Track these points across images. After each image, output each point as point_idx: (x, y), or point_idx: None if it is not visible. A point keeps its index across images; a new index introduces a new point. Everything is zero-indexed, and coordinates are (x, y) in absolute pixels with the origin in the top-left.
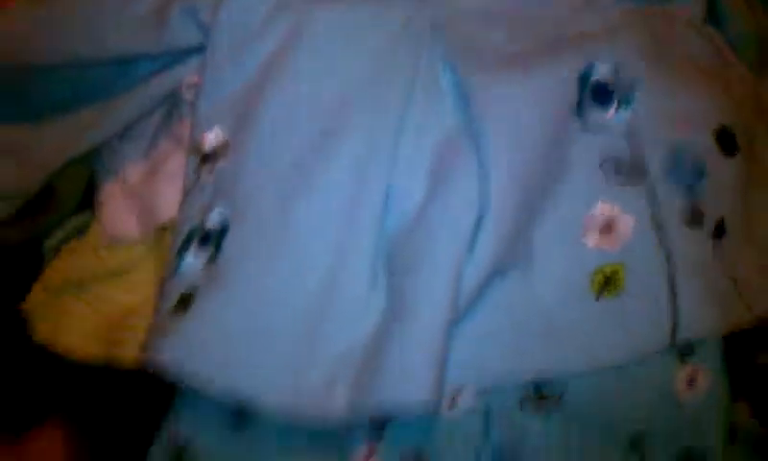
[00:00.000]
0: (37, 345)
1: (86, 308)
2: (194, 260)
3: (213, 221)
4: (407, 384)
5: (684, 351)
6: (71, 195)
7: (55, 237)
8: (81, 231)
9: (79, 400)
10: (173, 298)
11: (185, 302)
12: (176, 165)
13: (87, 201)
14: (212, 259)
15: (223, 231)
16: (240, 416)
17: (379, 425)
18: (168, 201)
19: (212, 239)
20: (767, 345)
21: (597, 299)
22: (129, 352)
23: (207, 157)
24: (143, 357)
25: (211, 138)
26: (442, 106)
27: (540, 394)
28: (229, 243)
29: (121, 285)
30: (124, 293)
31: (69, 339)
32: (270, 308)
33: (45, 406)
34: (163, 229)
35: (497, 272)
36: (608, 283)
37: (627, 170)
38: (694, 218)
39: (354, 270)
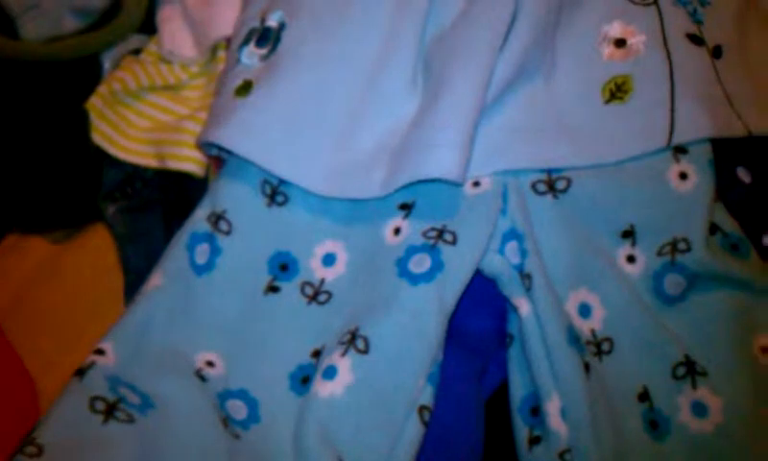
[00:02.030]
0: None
1: (141, 116)
2: (254, 54)
3: (272, 20)
4: (436, 156)
5: (679, 151)
6: (136, 8)
7: (115, 52)
8: (137, 52)
9: None
10: (236, 83)
11: (247, 87)
12: None
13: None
14: (271, 53)
15: (280, 29)
16: (276, 195)
17: (407, 206)
18: (223, 19)
19: (271, 36)
20: (747, 161)
21: (606, 103)
22: (181, 152)
23: None
24: (202, 135)
25: None
26: None
27: (550, 178)
28: (286, 38)
29: (175, 98)
30: (178, 105)
31: (125, 143)
32: (319, 97)
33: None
34: (216, 47)
35: (524, 71)
36: (617, 91)
37: None
38: (695, 38)
39: (397, 67)
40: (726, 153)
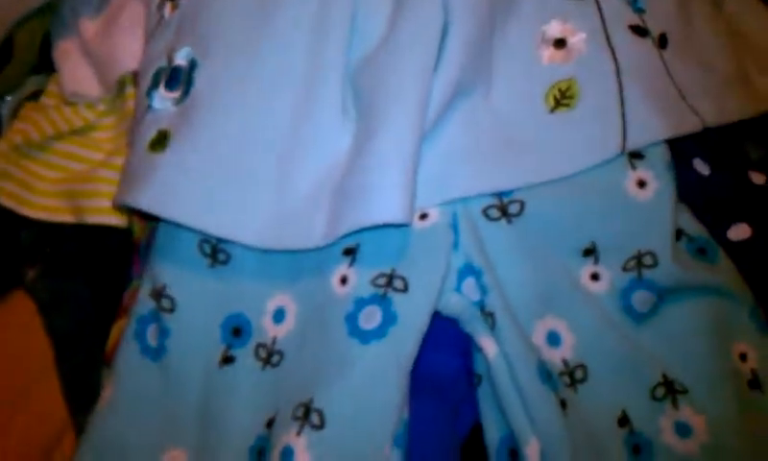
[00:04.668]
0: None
1: (51, 168)
2: (165, 98)
3: (181, 58)
4: (380, 199)
5: (635, 157)
6: (29, 49)
7: (12, 100)
8: (37, 95)
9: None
10: (150, 134)
11: (162, 139)
12: (132, 15)
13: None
14: (184, 97)
15: (191, 68)
16: (217, 253)
17: (352, 251)
18: (126, 52)
19: (182, 77)
20: (703, 152)
21: (551, 112)
22: (99, 203)
23: None
24: (120, 197)
25: None
26: None
27: (502, 202)
28: (199, 79)
29: (85, 143)
30: (89, 150)
31: (35, 199)
32: (245, 143)
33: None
34: (123, 82)
35: (461, 90)
36: (563, 97)
37: None
38: (639, 30)
39: (324, 98)
40: (681, 145)
